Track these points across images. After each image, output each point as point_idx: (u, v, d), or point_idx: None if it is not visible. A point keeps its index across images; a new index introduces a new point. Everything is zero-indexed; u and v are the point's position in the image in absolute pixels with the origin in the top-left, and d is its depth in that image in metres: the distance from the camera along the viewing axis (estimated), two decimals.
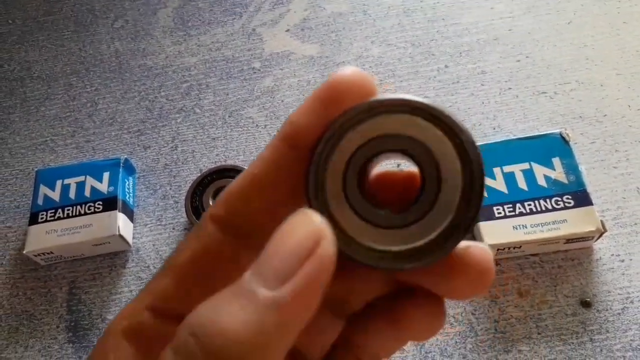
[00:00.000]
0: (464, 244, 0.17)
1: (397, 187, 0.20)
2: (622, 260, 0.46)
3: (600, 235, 0.45)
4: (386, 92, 0.15)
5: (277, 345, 0.14)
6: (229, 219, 0.18)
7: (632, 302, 0.45)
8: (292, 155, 0.17)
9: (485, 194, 0.47)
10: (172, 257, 0.18)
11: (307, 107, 0.17)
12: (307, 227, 0.14)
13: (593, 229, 0.44)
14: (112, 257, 0.53)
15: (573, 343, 0.44)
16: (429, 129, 0.16)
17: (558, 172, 0.47)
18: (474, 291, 0.17)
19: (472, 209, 0.16)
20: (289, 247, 0.14)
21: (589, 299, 0.45)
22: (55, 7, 0.73)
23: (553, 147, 0.49)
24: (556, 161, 0.48)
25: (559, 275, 0.46)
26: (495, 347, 0.44)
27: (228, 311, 0.14)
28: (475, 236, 0.47)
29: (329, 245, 0.14)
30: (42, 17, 0.72)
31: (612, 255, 0.47)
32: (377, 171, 0.20)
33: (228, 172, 0.53)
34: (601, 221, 0.45)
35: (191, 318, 0.15)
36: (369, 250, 0.17)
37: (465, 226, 0.16)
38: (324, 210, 0.16)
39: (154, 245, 0.53)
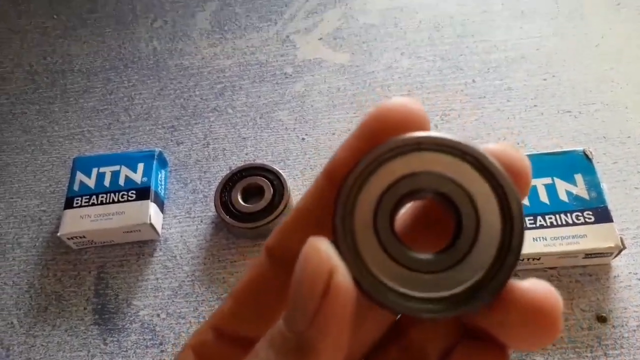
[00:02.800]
0: (528, 282, 0.15)
1: (427, 231, 0.19)
2: None
3: (619, 252, 0.46)
4: (432, 130, 0.16)
5: None
6: (279, 250, 0.19)
7: None
8: (333, 190, 0.17)
9: None
10: (236, 284, 0.20)
11: (350, 140, 0.17)
12: (317, 260, 0.14)
13: (612, 245, 0.45)
14: (140, 246, 0.55)
15: (587, 357, 0.44)
16: (470, 174, 0.16)
17: (580, 188, 0.49)
18: (535, 335, 0.15)
19: (506, 267, 0.15)
20: (303, 286, 0.14)
21: (605, 314, 0.46)
22: (99, 4, 0.76)
23: (576, 163, 0.50)
24: (578, 177, 0.49)
25: (576, 290, 0.47)
26: (510, 356, 0.45)
27: (263, 357, 0.15)
28: None
29: (342, 275, 0.14)
30: (85, 14, 0.75)
31: (630, 273, 0.47)
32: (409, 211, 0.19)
33: (257, 170, 0.55)
34: (620, 238, 0.45)
35: None
36: (396, 294, 0.16)
37: (497, 285, 0.15)
38: (351, 247, 0.16)
39: (181, 236, 0.54)
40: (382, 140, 0.16)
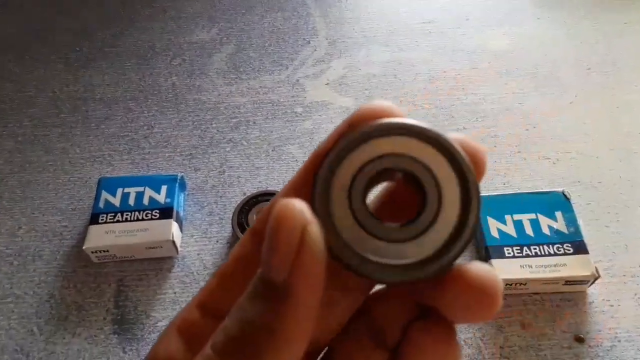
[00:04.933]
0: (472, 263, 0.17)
1: (396, 204, 0.20)
2: (612, 305, 0.53)
3: (594, 281, 0.52)
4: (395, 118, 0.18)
5: (297, 331, 0.15)
6: (263, 231, 0.20)
7: (619, 341, 0.51)
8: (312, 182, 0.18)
9: (497, 235, 0.55)
10: (221, 264, 0.21)
11: (331, 137, 0.18)
12: (293, 213, 0.15)
13: (588, 273, 0.52)
14: (159, 262, 0.58)
15: None
16: (428, 151, 0.17)
17: (560, 224, 0.55)
18: (478, 309, 0.16)
19: (462, 241, 0.17)
20: (281, 237, 0.15)
21: (582, 335, 0.52)
22: (119, 40, 0.82)
23: (556, 202, 0.57)
24: (558, 214, 0.56)
25: (557, 313, 0.53)
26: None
27: (248, 307, 0.16)
28: None
29: (315, 227, 0.15)
30: (107, 48, 0.81)
31: (603, 299, 0.54)
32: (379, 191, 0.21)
33: (271, 196, 0.60)
34: (595, 268, 0.52)
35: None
36: (367, 261, 0.17)
37: (452, 256, 0.17)
38: (325, 214, 0.17)
39: (198, 254, 0.59)
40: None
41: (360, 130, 0.17)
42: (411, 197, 0.19)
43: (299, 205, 0.15)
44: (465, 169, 0.17)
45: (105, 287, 0.57)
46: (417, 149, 0.17)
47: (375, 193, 0.20)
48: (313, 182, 0.17)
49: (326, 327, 0.20)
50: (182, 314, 0.20)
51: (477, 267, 0.16)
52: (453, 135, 0.18)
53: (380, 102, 0.18)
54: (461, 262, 0.17)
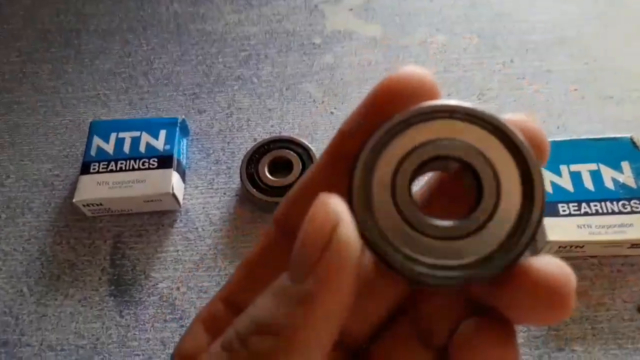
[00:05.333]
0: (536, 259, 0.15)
1: (444, 198, 0.19)
2: None
3: None
4: (442, 99, 0.15)
5: (312, 337, 0.14)
6: (286, 221, 0.19)
7: None
8: (341, 166, 0.16)
9: (550, 190, 0.46)
10: (246, 255, 0.20)
11: (357, 113, 0.16)
12: (323, 213, 0.14)
13: None
14: (160, 216, 0.52)
15: (628, 348, 0.43)
16: (481, 135, 0.16)
17: (626, 176, 0.47)
18: (546, 311, 0.14)
19: (523, 240, 0.15)
20: (307, 238, 0.14)
21: None
22: None
23: (622, 150, 0.48)
24: (625, 165, 0.47)
25: (617, 279, 0.45)
26: (548, 344, 0.43)
27: (262, 306, 0.15)
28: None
29: (346, 228, 0.14)
30: None
31: None
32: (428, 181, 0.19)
33: (285, 143, 0.52)
34: None
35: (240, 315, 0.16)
36: (405, 257, 0.15)
37: (511, 257, 0.15)
38: (364, 204, 0.15)
39: (203, 207, 0.52)
40: (391, 112, 0.16)
41: (401, 114, 0.16)
42: (460, 190, 0.17)
43: (334, 203, 0.14)
44: (526, 153, 0.15)
45: (101, 243, 0.51)
46: (468, 133, 0.16)
47: (417, 186, 0.17)
48: (350, 175, 0.15)
49: (364, 319, 0.19)
50: (207, 308, 0.20)
51: (545, 262, 0.14)
52: (508, 117, 0.16)
53: (411, 71, 0.16)
54: (528, 258, 0.15)
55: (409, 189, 0.16)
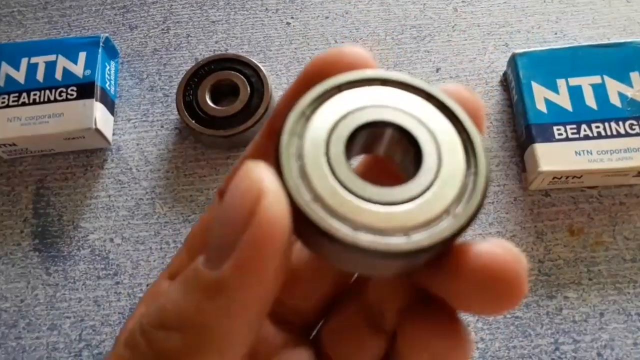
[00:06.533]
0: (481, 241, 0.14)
1: (385, 168, 0.17)
2: None
3: None
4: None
5: (227, 335, 0.12)
6: None
7: None
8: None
9: (544, 109, 0.39)
10: (189, 233, 0.19)
11: (291, 90, 0.16)
12: (246, 183, 0.12)
13: None
14: (87, 155, 0.44)
15: (629, 293, 0.37)
16: (433, 113, 0.15)
17: (636, 90, 0.39)
18: (492, 301, 0.13)
19: (475, 198, 0.14)
20: (225, 216, 0.12)
21: None
22: None
23: (632, 59, 0.40)
24: (635, 76, 0.39)
25: (619, 214, 0.39)
26: (537, 292, 0.37)
27: (170, 296, 0.13)
28: (527, 161, 0.39)
29: (271, 203, 0.12)
30: None
31: None
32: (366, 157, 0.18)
33: (230, 62, 0.44)
34: None
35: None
36: (356, 230, 0.14)
37: (468, 214, 0.14)
38: (296, 172, 0.14)
39: (138, 144, 0.44)
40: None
41: (332, 78, 0.15)
42: (394, 169, 0.16)
43: (258, 171, 0.12)
44: (464, 120, 0.15)
45: (21, 189, 0.44)
46: (404, 101, 0.15)
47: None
48: (277, 140, 0.14)
49: (309, 298, 0.18)
50: (152, 288, 0.19)
51: (491, 245, 0.13)
52: (448, 88, 0.15)
53: (347, 47, 0.15)
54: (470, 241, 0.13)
55: (345, 156, 0.14)
